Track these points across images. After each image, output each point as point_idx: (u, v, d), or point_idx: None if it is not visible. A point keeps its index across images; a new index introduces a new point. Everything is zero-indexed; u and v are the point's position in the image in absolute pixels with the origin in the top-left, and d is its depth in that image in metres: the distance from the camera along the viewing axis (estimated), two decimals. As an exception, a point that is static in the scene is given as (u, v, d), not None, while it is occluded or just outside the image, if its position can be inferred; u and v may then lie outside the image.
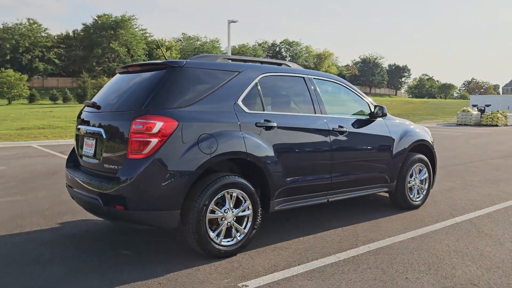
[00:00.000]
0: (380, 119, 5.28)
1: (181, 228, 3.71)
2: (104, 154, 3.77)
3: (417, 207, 5.65)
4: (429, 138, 5.88)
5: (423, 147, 5.82)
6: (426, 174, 5.75)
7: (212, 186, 3.67)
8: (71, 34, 76.09)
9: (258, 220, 4.00)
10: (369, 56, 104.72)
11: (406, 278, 3.44)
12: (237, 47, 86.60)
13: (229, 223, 3.83)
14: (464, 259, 3.84)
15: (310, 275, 3.48)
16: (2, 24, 68.16)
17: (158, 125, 3.48)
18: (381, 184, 5.24)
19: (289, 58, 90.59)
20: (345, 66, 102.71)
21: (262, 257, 3.86)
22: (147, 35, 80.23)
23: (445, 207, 5.74)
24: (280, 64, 4.79)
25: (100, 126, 3.87)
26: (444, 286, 3.30)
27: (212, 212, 3.72)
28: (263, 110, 4.18)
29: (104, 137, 3.77)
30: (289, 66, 4.79)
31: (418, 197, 5.70)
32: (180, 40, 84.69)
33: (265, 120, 4.08)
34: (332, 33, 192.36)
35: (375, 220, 5.10)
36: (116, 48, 70.82)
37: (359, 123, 5.02)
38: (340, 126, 4.72)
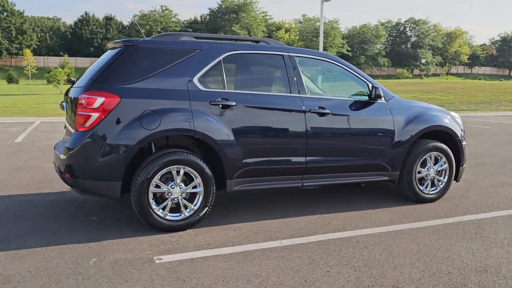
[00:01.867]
0: (382, 101, 4.79)
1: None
2: (66, 127, 4.12)
3: (430, 200, 5.05)
4: (454, 125, 5.17)
5: (444, 134, 5.14)
6: (446, 165, 5.08)
7: (156, 161, 3.78)
8: (198, 18, 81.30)
9: (210, 198, 4.01)
10: (511, 34, 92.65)
11: (328, 271, 3.17)
12: (357, 27, 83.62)
13: (176, 199, 3.91)
14: (418, 260, 3.39)
15: (230, 257, 3.41)
16: (140, 12, 75.53)
17: (99, 100, 3.68)
18: (378, 172, 4.79)
19: (415, 38, 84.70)
20: (481, 45, 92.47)
21: (207, 235, 3.87)
22: (267, 17, 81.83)
23: (467, 203, 5.03)
24: (258, 42, 4.63)
25: (66, 100, 4.24)
26: (360, 284, 2.98)
27: (157, 186, 3.84)
28: (224, 89, 4.12)
29: (65, 111, 4.13)
30: (268, 44, 4.60)
31: (433, 190, 5.07)
32: (300, 22, 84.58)
33: (222, 99, 4.03)
34: (467, 10, 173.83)
35: (367, 210, 4.71)
36: (237, 31, 73.64)
37: (349, 105, 4.63)
38: (321, 108, 4.42)
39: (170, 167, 3.84)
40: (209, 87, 4.07)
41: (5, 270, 3.12)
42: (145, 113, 3.76)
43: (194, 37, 4.32)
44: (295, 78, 4.41)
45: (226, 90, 4.11)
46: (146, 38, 4.06)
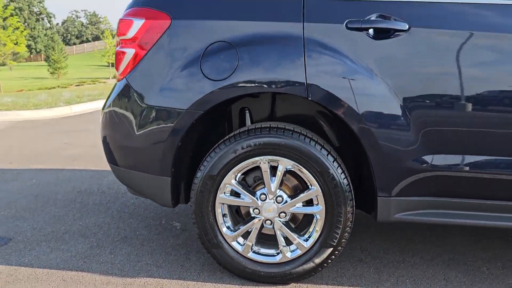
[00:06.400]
0: None
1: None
2: None
3: None
4: None
5: None
6: None
7: (230, 145, 1.92)
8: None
9: (341, 229, 1.90)
10: None
11: None
12: None
13: (269, 222, 1.97)
14: None
15: None
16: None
17: (136, 24, 1.99)
18: None
19: None
20: None
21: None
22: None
23: None
24: None
25: None
26: None
27: (234, 194, 1.99)
28: (386, -5, 1.87)
29: None
30: None
31: None
32: None
33: (379, 17, 1.81)
34: None
35: None
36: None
37: None
38: None
39: (257, 159, 1.91)
40: (353, -8, 1.90)
41: None
42: (213, 47, 1.90)
43: None
44: None
45: (390, -2, 1.86)
46: None
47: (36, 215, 2.92)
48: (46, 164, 4.35)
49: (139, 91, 2.00)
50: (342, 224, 1.90)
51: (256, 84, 1.85)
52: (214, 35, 1.90)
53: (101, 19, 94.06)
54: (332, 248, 1.93)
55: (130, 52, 2.02)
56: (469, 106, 1.77)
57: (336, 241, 1.92)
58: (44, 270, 2.17)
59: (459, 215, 1.88)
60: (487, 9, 1.80)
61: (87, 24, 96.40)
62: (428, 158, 1.82)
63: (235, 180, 1.96)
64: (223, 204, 1.99)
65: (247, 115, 2.21)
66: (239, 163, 1.92)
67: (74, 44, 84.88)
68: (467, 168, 1.81)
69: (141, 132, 2.02)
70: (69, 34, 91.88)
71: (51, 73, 33.56)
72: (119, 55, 2.06)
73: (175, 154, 1.98)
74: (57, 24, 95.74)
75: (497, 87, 1.76)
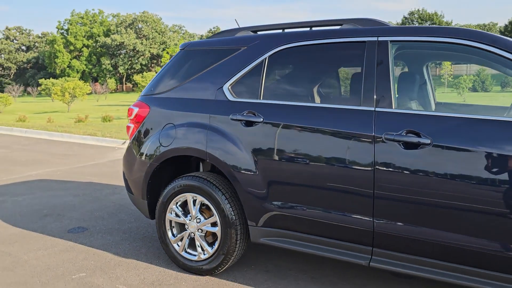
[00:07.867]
0: None
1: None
2: None
3: None
4: None
5: None
6: None
7: (172, 185, 3.21)
8: None
9: (228, 246, 2.99)
10: None
11: None
12: None
13: (192, 234, 3.18)
14: None
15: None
16: None
17: (135, 110, 3.47)
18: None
19: None
20: None
21: (204, 291, 2.94)
22: None
23: None
24: (340, 25, 2.91)
25: None
26: None
27: (177, 215, 3.25)
28: (258, 98, 2.94)
29: None
30: (354, 26, 2.81)
31: None
32: None
33: (248, 113, 2.90)
34: None
35: None
36: None
37: (485, 130, 2.26)
38: (410, 132, 2.39)
39: (185, 194, 3.16)
40: (243, 96, 3.02)
41: (33, 259, 3.53)
42: (167, 126, 3.24)
43: (252, 31, 3.28)
44: (374, 79, 2.58)
45: (257, 101, 2.93)
46: (195, 40, 3.46)
47: (111, 218, 4.60)
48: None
49: (134, 149, 3.45)
50: (229, 241, 3.00)
51: (181, 150, 3.12)
52: (168, 119, 3.25)
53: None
54: (223, 256, 3.03)
55: (132, 126, 3.50)
56: (296, 172, 2.72)
57: (226, 251, 3.02)
58: (89, 248, 3.75)
59: (299, 244, 2.79)
60: (315, 112, 2.72)
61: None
62: (275, 202, 2.81)
63: (176, 206, 3.23)
64: (169, 220, 3.27)
65: (201, 165, 3.45)
66: (176, 195, 3.20)
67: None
68: (297, 212, 2.74)
69: (134, 172, 3.46)
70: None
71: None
72: (128, 128, 3.55)
73: (147, 187, 3.35)
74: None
75: (314, 161, 2.67)
